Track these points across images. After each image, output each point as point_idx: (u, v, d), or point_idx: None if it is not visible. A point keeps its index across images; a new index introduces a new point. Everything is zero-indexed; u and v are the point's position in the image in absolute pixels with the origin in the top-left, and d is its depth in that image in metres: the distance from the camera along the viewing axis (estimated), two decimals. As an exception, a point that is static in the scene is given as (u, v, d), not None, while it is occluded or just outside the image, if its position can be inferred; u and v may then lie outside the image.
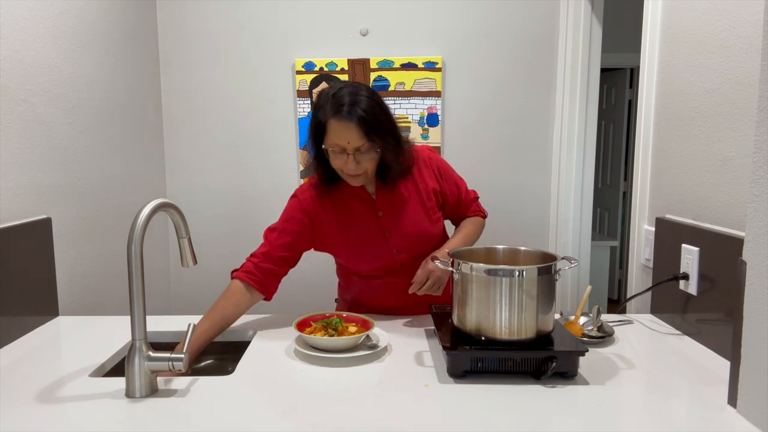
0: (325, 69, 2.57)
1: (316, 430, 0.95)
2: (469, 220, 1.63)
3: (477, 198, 1.67)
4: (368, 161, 1.36)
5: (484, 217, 1.67)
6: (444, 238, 1.61)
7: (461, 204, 1.61)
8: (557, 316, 1.46)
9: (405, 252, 1.50)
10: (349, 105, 1.30)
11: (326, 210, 1.48)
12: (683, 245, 1.43)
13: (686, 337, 1.40)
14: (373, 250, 1.49)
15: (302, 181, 2.64)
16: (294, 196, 1.51)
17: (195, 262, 1.23)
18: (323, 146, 1.37)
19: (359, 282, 1.59)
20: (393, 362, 1.23)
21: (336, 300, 1.75)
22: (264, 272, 1.43)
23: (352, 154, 1.33)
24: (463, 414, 1.00)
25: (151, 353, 1.06)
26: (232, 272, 1.45)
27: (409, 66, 2.56)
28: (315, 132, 1.38)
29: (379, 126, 1.33)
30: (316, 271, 2.70)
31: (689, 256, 1.40)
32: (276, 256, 1.45)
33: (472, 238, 1.58)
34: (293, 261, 1.49)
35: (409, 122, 2.59)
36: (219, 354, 1.47)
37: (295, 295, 2.71)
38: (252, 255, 1.46)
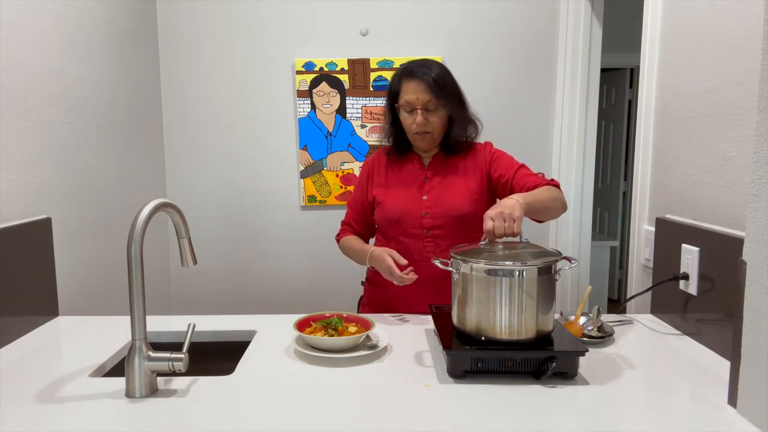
0: (325, 69, 2.57)
1: (316, 430, 0.95)
2: (542, 187, 1.48)
3: (543, 176, 1.56)
4: (436, 119, 1.54)
5: (556, 185, 1.51)
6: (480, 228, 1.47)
7: (520, 175, 1.54)
8: (557, 316, 1.46)
9: (432, 218, 1.57)
10: (419, 67, 1.53)
11: (381, 166, 1.69)
12: (683, 245, 1.43)
13: (686, 337, 1.40)
14: (405, 209, 1.60)
15: (302, 182, 2.65)
16: (364, 161, 1.76)
17: (195, 262, 1.24)
18: (396, 104, 1.57)
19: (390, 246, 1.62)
20: (393, 362, 1.23)
21: (362, 282, 1.82)
22: (356, 232, 1.73)
23: (421, 110, 1.51)
24: (463, 414, 1.00)
25: (151, 353, 1.06)
26: (338, 237, 1.74)
27: (409, 66, 2.56)
28: (390, 99, 1.60)
29: (446, 86, 1.53)
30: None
31: (689, 256, 1.40)
32: (356, 226, 1.72)
33: (538, 196, 1.40)
34: (370, 211, 1.70)
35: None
36: (219, 354, 1.47)
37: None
38: (344, 223, 1.75)
